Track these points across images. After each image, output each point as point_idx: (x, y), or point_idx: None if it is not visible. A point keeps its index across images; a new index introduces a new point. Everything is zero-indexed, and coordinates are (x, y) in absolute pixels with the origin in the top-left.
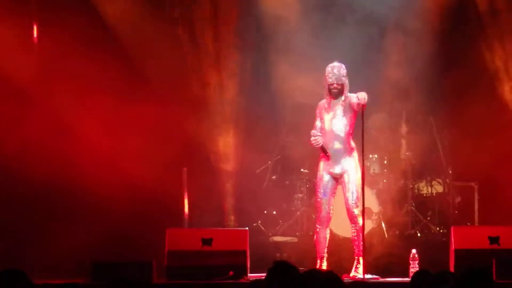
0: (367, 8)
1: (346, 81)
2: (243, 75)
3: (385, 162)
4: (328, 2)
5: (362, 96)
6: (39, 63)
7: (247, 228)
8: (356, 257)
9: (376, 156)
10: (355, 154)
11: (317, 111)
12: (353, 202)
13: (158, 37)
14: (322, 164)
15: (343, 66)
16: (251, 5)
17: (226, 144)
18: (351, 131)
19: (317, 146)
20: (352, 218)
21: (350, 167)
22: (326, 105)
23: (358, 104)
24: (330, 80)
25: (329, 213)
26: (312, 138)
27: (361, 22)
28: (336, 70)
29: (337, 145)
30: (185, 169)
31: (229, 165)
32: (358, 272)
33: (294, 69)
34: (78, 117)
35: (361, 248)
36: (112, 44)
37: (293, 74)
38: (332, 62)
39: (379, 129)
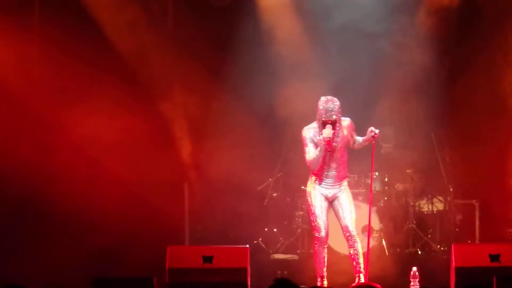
0: (364, 22)
1: (339, 115)
2: (245, 92)
3: (386, 179)
4: (323, 12)
5: (373, 129)
6: (38, 77)
7: (248, 246)
8: (357, 275)
9: (376, 173)
10: (346, 179)
11: (307, 138)
12: (351, 221)
13: (158, 53)
14: (313, 186)
15: (335, 100)
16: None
17: (227, 161)
18: (346, 158)
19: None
20: (351, 237)
21: (342, 191)
22: (319, 134)
23: (371, 137)
24: (324, 117)
25: (327, 232)
26: (326, 135)
27: (359, 35)
28: (329, 106)
29: (333, 171)
30: (186, 184)
31: (230, 182)
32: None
33: (296, 86)
34: (76, 132)
35: (361, 264)
36: (111, 60)
37: (295, 91)
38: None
39: (386, 142)
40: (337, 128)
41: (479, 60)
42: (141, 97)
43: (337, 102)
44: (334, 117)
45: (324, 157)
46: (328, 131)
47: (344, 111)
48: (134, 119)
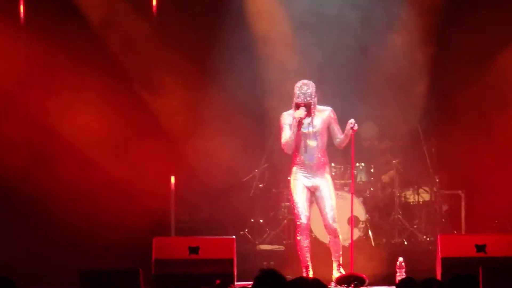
0: (352, 11)
1: (314, 99)
2: (230, 82)
3: (372, 170)
4: (311, 4)
5: (353, 121)
6: (26, 71)
7: (234, 237)
8: (335, 260)
9: (363, 164)
10: (328, 169)
11: (284, 123)
12: (332, 218)
13: (143, 45)
14: (295, 177)
15: (312, 84)
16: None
17: (213, 152)
18: (324, 145)
19: (301, 118)
20: (332, 233)
21: (323, 183)
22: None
23: (350, 128)
24: (298, 99)
25: (308, 221)
26: (298, 115)
27: (344, 26)
28: (304, 89)
29: (312, 156)
30: (172, 177)
31: (216, 173)
32: (340, 271)
33: (282, 78)
34: (64, 124)
35: (340, 257)
36: (98, 52)
37: (280, 81)
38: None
39: (367, 138)
40: (312, 110)
41: (466, 51)
42: (127, 90)
43: (312, 86)
44: (307, 99)
45: (300, 138)
46: (300, 112)
47: (330, 104)
48: (119, 112)
